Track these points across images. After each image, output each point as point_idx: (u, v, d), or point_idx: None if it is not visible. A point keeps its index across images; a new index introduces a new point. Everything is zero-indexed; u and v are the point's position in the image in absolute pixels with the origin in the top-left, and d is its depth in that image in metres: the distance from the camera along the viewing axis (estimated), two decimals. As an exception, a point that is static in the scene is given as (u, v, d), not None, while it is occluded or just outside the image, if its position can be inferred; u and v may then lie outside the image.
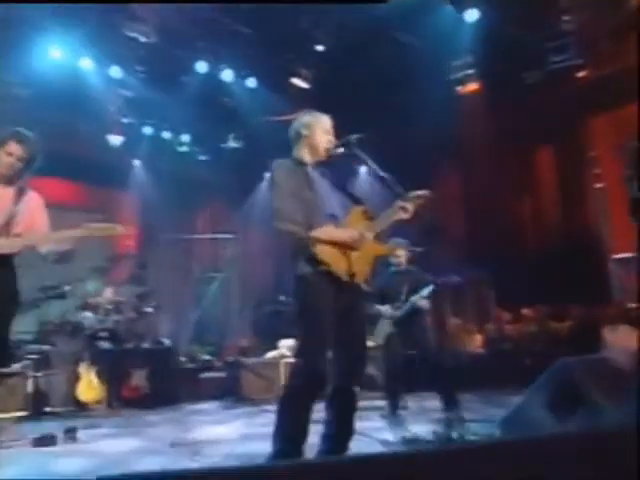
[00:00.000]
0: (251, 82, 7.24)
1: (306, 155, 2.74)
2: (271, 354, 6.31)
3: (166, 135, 8.73)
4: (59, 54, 6.35)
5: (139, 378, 5.30)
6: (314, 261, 2.46)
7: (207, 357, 8.15)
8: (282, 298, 7.21)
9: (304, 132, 2.75)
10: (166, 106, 7.88)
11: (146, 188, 8.85)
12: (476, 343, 6.99)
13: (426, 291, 4.47)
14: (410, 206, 2.62)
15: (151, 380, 5.39)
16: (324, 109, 2.93)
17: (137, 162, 9.02)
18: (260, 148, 8.64)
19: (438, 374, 4.45)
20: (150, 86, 7.47)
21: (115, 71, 6.78)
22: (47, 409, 4.87)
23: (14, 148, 2.65)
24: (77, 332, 5.34)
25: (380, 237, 2.74)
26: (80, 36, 6.55)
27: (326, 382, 2.42)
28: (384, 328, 4.64)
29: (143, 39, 6.74)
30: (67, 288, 5.50)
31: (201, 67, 6.84)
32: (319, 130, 2.76)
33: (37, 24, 6.25)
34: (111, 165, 8.55)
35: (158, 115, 8.19)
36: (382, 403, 4.73)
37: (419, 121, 7.63)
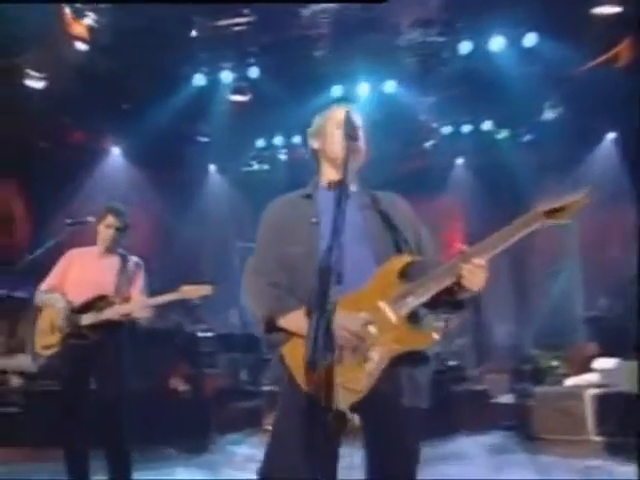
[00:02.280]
0: (529, 40, 6.01)
1: (329, 175, 1.88)
2: (573, 380, 4.90)
3: (486, 126, 8.16)
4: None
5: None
6: (283, 360, 1.68)
7: (555, 364, 7.14)
8: (603, 301, 5.52)
9: (314, 145, 1.93)
10: (468, 98, 7.48)
11: (469, 189, 8.54)
12: None
13: None
14: (476, 268, 1.59)
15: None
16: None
17: (459, 161, 8.85)
18: (582, 107, 7.07)
19: None
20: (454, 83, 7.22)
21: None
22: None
23: (112, 220, 3.14)
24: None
25: (417, 317, 1.68)
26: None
27: None
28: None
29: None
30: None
31: (465, 47, 6.20)
32: (330, 128, 1.86)
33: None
34: (431, 173, 8.70)
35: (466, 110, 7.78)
36: None
37: None
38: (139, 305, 2.99)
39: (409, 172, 8.79)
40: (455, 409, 5.22)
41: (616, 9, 5.78)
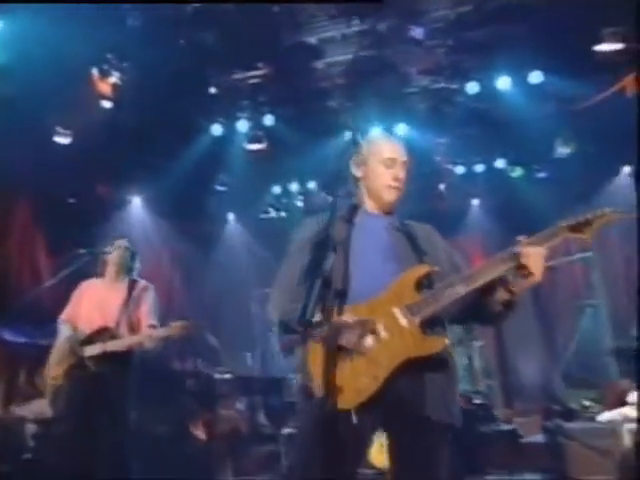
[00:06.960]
0: (535, 77, 6.14)
1: (368, 203, 2.04)
2: (608, 415, 4.66)
3: (499, 164, 8.25)
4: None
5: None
6: (304, 368, 1.73)
7: (587, 403, 6.84)
8: (632, 333, 5.38)
9: (357, 173, 2.05)
10: (479, 138, 7.63)
11: (487, 230, 8.53)
12: None
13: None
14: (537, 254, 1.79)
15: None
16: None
17: (475, 202, 8.89)
18: (595, 141, 7.12)
19: None
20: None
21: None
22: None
23: (120, 242, 3.34)
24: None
25: (430, 324, 1.73)
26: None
27: None
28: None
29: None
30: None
31: (472, 88, 6.38)
32: (374, 163, 2.00)
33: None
34: (451, 213, 8.73)
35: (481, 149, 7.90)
36: None
37: None
38: (143, 338, 3.02)
39: (426, 214, 8.83)
40: (484, 450, 5.01)
41: (618, 46, 5.93)
